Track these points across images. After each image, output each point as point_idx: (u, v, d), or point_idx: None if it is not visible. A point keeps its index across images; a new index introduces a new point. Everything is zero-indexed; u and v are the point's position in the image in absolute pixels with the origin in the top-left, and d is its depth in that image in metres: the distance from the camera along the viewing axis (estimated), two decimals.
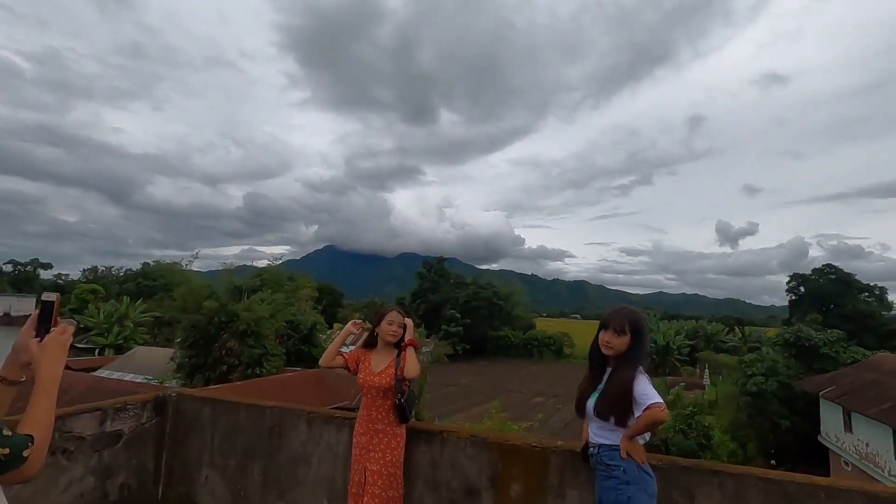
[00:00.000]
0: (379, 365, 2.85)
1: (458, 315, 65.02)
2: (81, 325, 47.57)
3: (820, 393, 15.96)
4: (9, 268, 76.12)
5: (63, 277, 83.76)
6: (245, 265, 43.32)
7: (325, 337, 33.94)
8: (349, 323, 3.08)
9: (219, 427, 2.91)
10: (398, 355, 2.88)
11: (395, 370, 2.81)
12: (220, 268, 33.48)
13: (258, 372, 23.43)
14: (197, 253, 31.57)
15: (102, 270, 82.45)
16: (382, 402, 2.77)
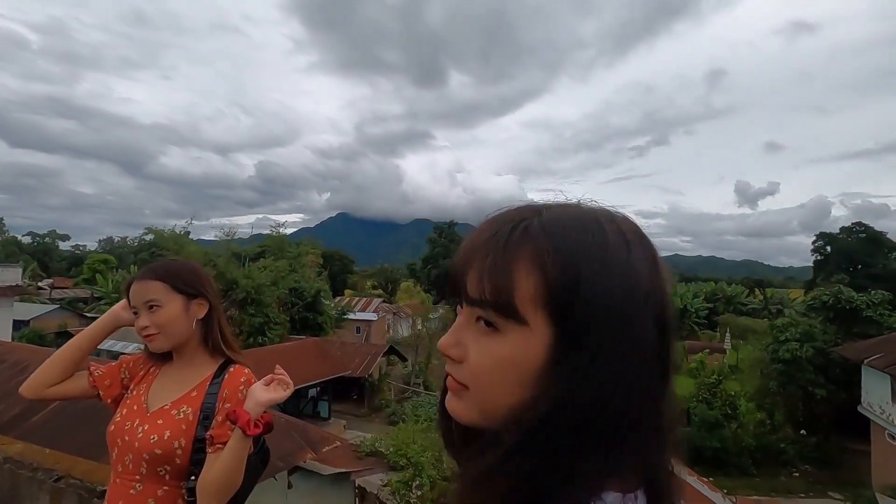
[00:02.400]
0: (164, 396, 1.31)
1: None
2: (95, 296, 47.89)
3: (865, 361, 14.47)
4: (27, 239, 76.93)
5: (80, 248, 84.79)
6: (260, 233, 42.47)
7: (331, 304, 33.21)
8: (119, 303, 1.46)
9: None
10: (218, 375, 1.33)
11: (198, 417, 1.25)
12: (228, 237, 32.50)
13: (261, 340, 22.77)
14: (191, 220, 30.44)
15: (118, 241, 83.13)
16: (152, 486, 1.21)
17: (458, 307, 0.58)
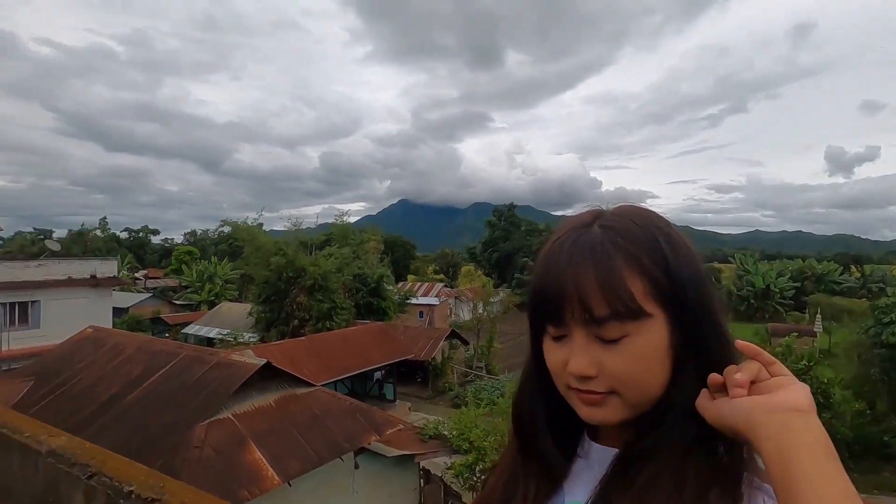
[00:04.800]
0: None
1: (532, 263, 63.05)
2: (182, 284, 52.15)
3: None
4: (124, 235, 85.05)
5: (169, 241, 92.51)
6: (326, 223, 44.15)
7: (394, 289, 33.91)
8: None
9: None
10: None
11: None
12: (295, 227, 34.03)
13: (328, 325, 23.71)
14: (262, 212, 31.98)
15: (200, 233, 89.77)
16: None
17: (555, 328, 0.64)
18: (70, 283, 17.73)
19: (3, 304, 16.20)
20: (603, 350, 0.59)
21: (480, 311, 27.82)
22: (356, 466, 8.97)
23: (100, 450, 1.41)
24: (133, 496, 1.16)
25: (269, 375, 8.54)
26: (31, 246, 41.54)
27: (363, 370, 17.92)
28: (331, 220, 36.33)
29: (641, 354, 0.58)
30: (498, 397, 16.32)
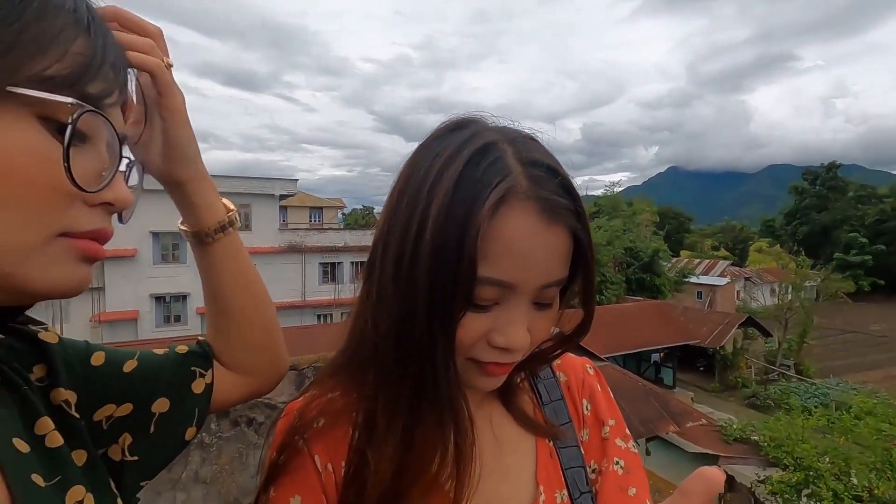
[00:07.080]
0: None
1: (864, 239, 47.91)
2: None
3: None
4: None
5: None
6: (586, 195, 43.56)
7: (668, 265, 30.79)
8: None
9: None
10: None
11: None
12: None
13: (598, 300, 23.24)
14: None
15: None
16: None
17: None
18: None
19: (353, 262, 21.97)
20: None
21: (788, 296, 22.56)
22: (647, 453, 8.39)
23: None
24: None
25: None
26: (362, 219, 54.15)
27: (640, 350, 16.87)
28: (592, 193, 35.25)
29: None
30: (816, 405, 12.89)
